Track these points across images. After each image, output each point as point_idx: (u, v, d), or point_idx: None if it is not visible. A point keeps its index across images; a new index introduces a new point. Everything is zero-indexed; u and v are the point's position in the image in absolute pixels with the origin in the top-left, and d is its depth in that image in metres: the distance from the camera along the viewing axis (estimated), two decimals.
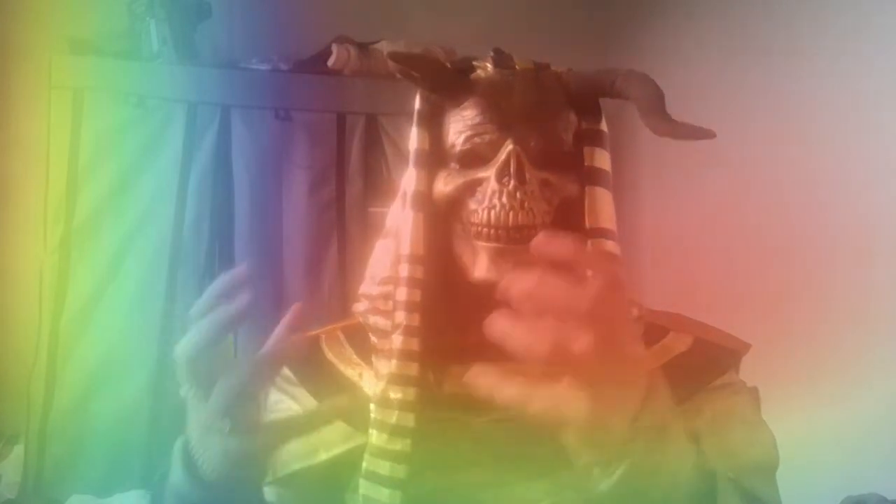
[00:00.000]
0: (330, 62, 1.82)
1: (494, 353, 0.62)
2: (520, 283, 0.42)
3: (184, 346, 0.50)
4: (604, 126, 0.68)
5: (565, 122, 0.65)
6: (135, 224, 1.70)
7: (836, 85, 1.51)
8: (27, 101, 1.82)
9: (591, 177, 0.65)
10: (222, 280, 0.52)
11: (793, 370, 1.45)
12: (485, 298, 0.61)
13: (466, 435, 0.62)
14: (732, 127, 1.80)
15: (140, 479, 1.63)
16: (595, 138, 0.66)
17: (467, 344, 0.63)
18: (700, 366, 0.67)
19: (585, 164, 0.65)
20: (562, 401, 0.42)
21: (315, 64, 1.86)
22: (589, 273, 0.43)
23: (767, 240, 1.68)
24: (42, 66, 1.68)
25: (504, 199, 0.60)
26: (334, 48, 1.82)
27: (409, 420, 0.61)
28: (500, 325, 0.42)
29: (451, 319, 0.64)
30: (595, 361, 0.41)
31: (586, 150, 0.66)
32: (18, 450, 1.71)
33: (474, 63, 0.66)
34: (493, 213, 0.60)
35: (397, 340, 0.62)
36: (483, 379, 0.45)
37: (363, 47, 1.87)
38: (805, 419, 1.27)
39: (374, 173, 1.88)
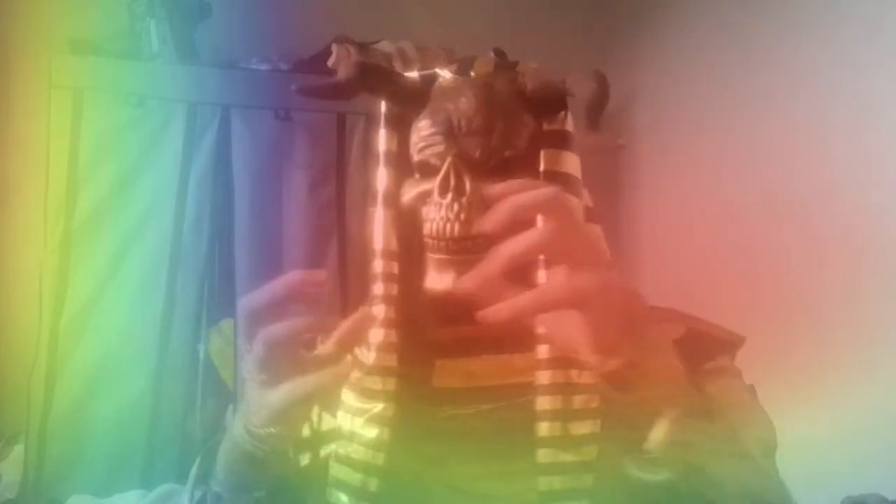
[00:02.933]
0: (330, 62, 1.82)
1: (480, 347, 0.63)
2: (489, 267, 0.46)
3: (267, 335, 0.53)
4: (569, 126, 0.66)
5: (518, 128, 0.64)
6: (135, 224, 1.70)
7: (835, 87, 1.51)
8: (27, 101, 1.82)
9: (552, 181, 0.63)
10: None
11: (792, 369, 1.45)
12: (444, 305, 0.64)
13: (452, 427, 0.63)
14: (731, 126, 1.81)
15: (140, 479, 1.63)
16: (556, 140, 0.65)
17: (452, 338, 0.65)
18: (693, 350, 0.68)
19: (543, 167, 0.64)
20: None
21: (315, 64, 1.86)
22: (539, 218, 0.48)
23: (767, 239, 1.68)
24: (42, 66, 1.68)
25: (443, 212, 0.62)
26: (334, 48, 1.82)
27: (391, 410, 0.62)
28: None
29: (430, 313, 0.66)
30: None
31: (545, 152, 0.65)
32: (18, 450, 1.71)
33: (437, 70, 0.68)
34: (435, 225, 0.62)
35: (377, 333, 0.63)
36: None
37: (363, 47, 1.87)
38: (805, 419, 1.27)
39: (374, 173, 1.88)
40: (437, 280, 0.63)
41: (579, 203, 0.64)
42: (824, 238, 1.52)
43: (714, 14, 1.91)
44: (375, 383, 0.63)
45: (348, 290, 1.79)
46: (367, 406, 0.62)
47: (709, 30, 1.93)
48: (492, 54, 0.70)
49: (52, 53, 1.69)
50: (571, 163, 0.65)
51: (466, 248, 0.62)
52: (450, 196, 0.61)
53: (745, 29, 1.78)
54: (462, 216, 0.61)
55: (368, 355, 0.64)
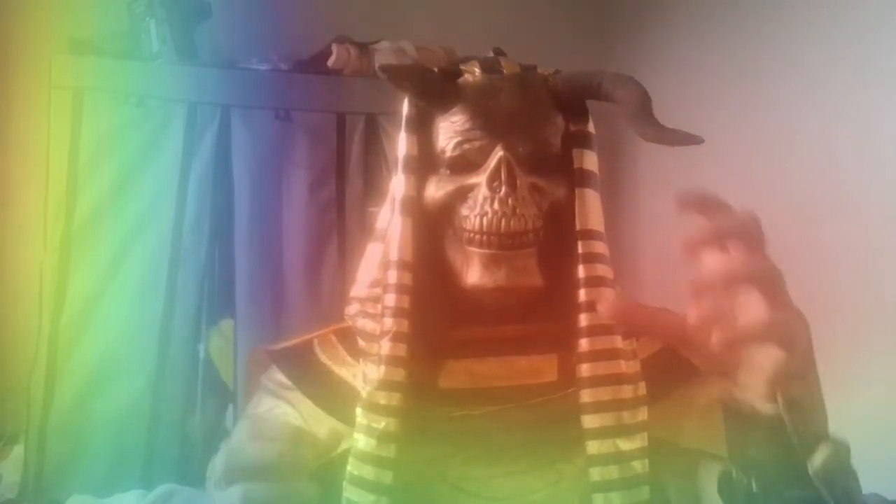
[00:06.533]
0: (330, 62, 1.82)
1: (488, 348, 0.63)
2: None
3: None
4: (591, 127, 0.68)
5: (553, 126, 0.65)
6: (135, 224, 1.70)
7: (836, 87, 1.51)
8: (27, 101, 1.82)
9: (581, 179, 0.66)
10: None
11: None
12: (477, 301, 0.63)
13: (461, 429, 0.63)
14: (731, 126, 1.80)
15: (140, 479, 1.63)
16: (583, 140, 0.67)
17: (460, 339, 0.64)
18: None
19: (575, 166, 0.66)
20: None
21: (315, 64, 1.86)
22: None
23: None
24: (42, 66, 1.68)
25: (496, 206, 0.61)
26: (334, 48, 1.82)
27: (396, 425, 0.61)
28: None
29: (443, 319, 0.65)
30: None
31: (575, 152, 0.66)
32: (18, 450, 1.71)
33: (462, 67, 0.67)
34: (485, 219, 0.61)
35: (385, 346, 0.62)
36: None
37: (363, 47, 1.87)
38: None
39: (374, 173, 1.88)
40: (486, 276, 0.62)
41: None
42: (824, 239, 1.52)
43: (716, 13, 1.91)
44: (382, 398, 0.61)
45: (348, 290, 1.78)
46: (373, 424, 0.61)
47: (710, 29, 1.93)
48: (491, 53, 0.70)
49: (52, 53, 1.69)
50: (595, 161, 0.67)
51: (519, 244, 0.61)
52: (504, 190, 0.60)
53: (747, 28, 1.78)
54: (517, 210, 0.61)
55: (377, 369, 0.62)
